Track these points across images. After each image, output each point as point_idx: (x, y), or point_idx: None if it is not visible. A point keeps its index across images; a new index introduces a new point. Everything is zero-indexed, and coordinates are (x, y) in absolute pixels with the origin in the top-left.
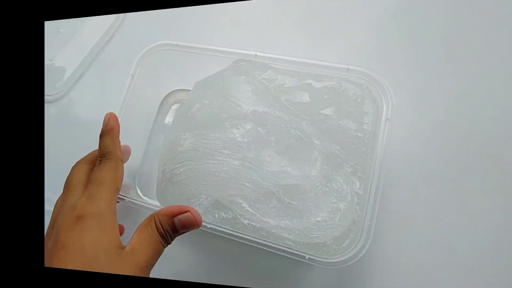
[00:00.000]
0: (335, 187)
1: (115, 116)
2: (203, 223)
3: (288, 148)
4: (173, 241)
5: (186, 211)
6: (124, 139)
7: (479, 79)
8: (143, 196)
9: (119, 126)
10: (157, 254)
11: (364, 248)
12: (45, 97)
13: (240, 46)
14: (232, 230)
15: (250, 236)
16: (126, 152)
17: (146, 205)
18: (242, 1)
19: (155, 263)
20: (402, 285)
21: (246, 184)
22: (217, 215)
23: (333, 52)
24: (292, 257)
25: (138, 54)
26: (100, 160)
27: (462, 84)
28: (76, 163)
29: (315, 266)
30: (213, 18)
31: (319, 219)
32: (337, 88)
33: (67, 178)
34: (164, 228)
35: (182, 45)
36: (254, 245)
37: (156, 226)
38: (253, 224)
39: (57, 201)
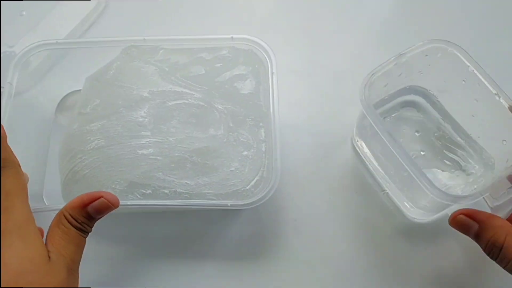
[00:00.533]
0: (242, 140)
1: None
2: (123, 203)
3: (191, 117)
4: (93, 228)
5: (98, 197)
6: (22, 151)
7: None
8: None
9: (5, 132)
10: (80, 249)
11: (274, 187)
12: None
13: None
14: (155, 201)
15: (174, 201)
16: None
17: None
18: None
19: (81, 257)
20: (309, 216)
21: (158, 157)
22: (137, 195)
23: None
24: (216, 207)
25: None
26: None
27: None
28: None
29: (241, 211)
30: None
31: (232, 168)
32: (226, 56)
33: None
34: (78, 221)
35: (64, 42)
36: (180, 207)
37: (69, 222)
38: (174, 190)
39: None
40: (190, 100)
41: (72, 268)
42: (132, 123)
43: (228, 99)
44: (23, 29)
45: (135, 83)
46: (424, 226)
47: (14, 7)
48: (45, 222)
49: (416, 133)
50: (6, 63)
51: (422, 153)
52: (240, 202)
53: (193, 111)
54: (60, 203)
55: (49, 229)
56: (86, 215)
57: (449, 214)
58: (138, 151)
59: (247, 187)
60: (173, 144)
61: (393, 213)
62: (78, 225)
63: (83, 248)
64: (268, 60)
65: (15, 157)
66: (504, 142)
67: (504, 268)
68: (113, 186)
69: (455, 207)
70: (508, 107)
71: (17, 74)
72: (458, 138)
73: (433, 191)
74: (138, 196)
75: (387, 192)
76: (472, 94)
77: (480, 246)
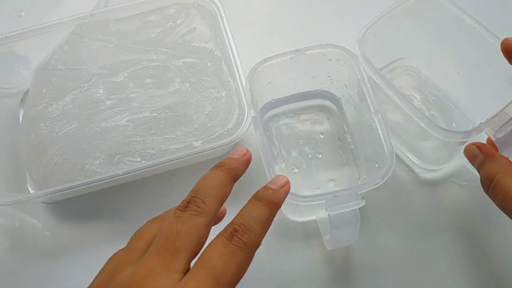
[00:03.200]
0: (207, 85)
1: (250, 157)
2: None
3: (150, 78)
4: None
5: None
6: None
7: None
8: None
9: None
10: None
11: (249, 120)
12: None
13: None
14: (145, 163)
15: (166, 159)
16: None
17: None
18: None
19: None
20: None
21: (127, 123)
22: (126, 163)
23: None
24: (202, 153)
25: None
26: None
27: None
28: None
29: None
30: None
31: (206, 112)
32: (175, 14)
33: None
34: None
35: (12, 35)
36: (175, 163)
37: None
38: (159, 147)
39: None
40: (144, 64)
41: None
42: (88, 101)
43: (184, 53)
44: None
45: (84, 63)
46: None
47: (13, 7)
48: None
49: None
50: (7, 63)
51: None
52: (229, 143)
53: (151, 72)
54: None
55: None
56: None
57: None
58: (103, 124)
59: (229, 127)
60: (138, 108)
61: None
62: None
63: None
64: (216, 9)
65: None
66: None
67: (493, 200)
68: (92, 161)
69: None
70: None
71: None
72: None
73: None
74: (127, 164)
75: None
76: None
77: (480, 176)
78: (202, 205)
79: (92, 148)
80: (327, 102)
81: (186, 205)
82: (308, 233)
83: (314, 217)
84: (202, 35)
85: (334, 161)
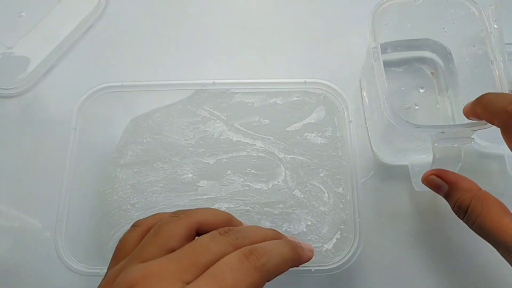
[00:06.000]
0: (314, 193)
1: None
2: None
3: (252, 168)
4: None
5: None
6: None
7: None
8: None
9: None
10: None
11: (360, 247)
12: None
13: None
14: None
15: None
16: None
17: None
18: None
19: None
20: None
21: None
22: None
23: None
24: (294, 274)
25: (81, 96)
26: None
27: None
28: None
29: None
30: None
31: (309, 223)
32: (298, 102)
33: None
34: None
35: (128, 85)
36: None
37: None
38: None
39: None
40: (248, 151)
41: None
42: (177, 180)
43: (296, 150)
44: (23, 30)
45: (180, 133)
46: None
47: (13, 7)
48: None
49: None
50: (6, 64)
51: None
52: (325, 267)
53: (253, 162)
54: None
55: None
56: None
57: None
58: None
59: (326, 246)
60: (229, 199)
61: None
62: None
63: None
64: (343, 107)
65: None
66: None
67: (470, 227)
68: None
69: None
70: None
71: (80, 118)
72: None
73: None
74: None
75: None
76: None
77: (450, 205)
78: (241, 239)
79: None
80: (434, 56)
81: (226, 231)
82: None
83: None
84: (321, 131)
85: (430, 115)
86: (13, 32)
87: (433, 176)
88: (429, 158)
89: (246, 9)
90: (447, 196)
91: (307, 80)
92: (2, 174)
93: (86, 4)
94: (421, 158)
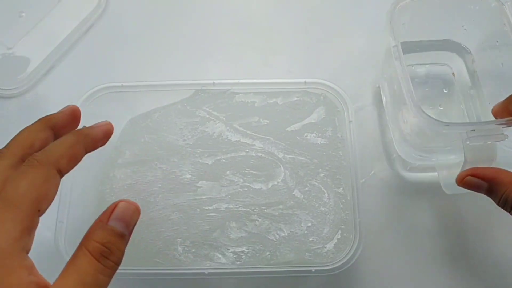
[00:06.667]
0: (314, 194)
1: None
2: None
3: (251, 168)
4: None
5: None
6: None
7: None
8: None
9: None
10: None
11: (360, 247)
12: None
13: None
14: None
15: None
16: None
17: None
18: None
19: None
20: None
21: (212, 214)
22: (209, 259)
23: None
24: (295, 275)
25: (82, 96)
26: (23, 164)
27: None
28: None
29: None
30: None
31: (309, 224)
32: (298, 103)
33: None
34: (106, 246)
35: (128, 86)
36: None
37: (91, 253)
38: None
39: None
40: (247, 151)
41: None
42: (176, 181)
43: (296, 150)
44: (23, 31)
45: (179, 133)
46: None
47: (13, 8)
48: None
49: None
50: (5, 64)
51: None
52: (325, 267)
53: (252, 163)
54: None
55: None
56: (112, 233)
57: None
58: (187, 212)
59: (327, 247)
60: (228, 200)
61: None
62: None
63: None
64: (344, 107)
65: (64, 158)
66: None
67: None
68: (174, 246)
69: None
70: None
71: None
72: None
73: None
74: (215, 261)
75: None
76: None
77: (494, 200)
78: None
79: (172, 232)
80: (454, 55)
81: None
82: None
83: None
84: (321, 132)
85: (455, 115)
86: (13, 32)
87: (470, 177)
88: (458, 159)
89: (246, 9)
90: (489, 193)
91: (307, 80)
92: None
93: (86, 4)
94: (449, 159)
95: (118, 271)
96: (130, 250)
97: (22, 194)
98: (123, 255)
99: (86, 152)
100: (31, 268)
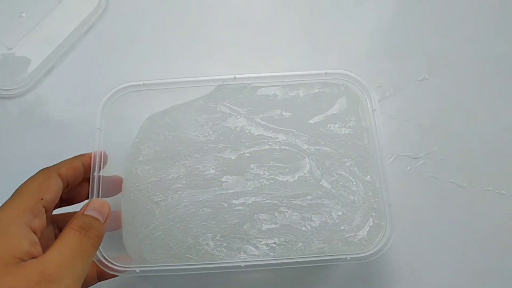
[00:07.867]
0: (342, 183)
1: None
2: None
3: (275, 161)
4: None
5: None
6: None
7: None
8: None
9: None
10: (80, 256)
11: (393, 233)
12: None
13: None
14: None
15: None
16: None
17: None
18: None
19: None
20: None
21: (240, 208)
22: (243, 252)
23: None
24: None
25: (105, 95)
26: None
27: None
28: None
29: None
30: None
31: (339, 213)
32: (320, 95)
33: None
34: (86, 223)
35: (150, 84)
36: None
37: (73, 228)
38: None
39: None
40: (271, 144)
41: (55, 277)
42: (200, 176)
43: (320, 141)
44: (23, 31)
45: (200, 130)
46: None
47: (13, 8)
48: None
49: None
50: (6, 65)
51: None
52: (359, 255)
53: (276, 156)
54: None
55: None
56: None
57: None
58: (213, 206)
59: (360, 235)
60: (255, 193)
61: None
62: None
63: (86, 258)
64: (366, 96)
65: (66, 167)
66: None
67: None
68: (204, 241)
69: None
70: None
71: (104, 119)
72: None
73: None
74: (249, 254)
75: None
76: None
77: None
78: None
79: (201, 228)
80: None
81: None
82: None
83: None
84: (344, 122)
85: None
86: (14, 32)
87: None
88: None
89: (254, 5)
90: None
91: (328, 71)
92: (2, 174)
93: (86, 4)
94: None
95: (151, 268)
96: (160, 247)
97: (26, 185)
98: (102, 234)
99: (83, 166)
100: (31, 239)
